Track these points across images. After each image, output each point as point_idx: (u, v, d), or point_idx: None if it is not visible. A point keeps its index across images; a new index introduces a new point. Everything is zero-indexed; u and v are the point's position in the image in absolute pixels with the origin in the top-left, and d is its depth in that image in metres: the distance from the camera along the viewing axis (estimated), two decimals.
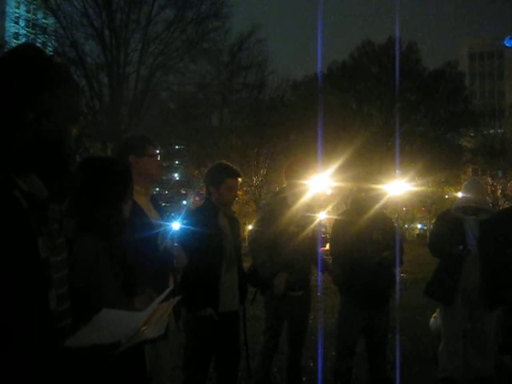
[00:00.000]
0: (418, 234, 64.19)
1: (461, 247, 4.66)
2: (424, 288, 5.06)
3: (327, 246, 4.77)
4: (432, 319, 5.83)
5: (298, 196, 4.59)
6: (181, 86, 28.92)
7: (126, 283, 2.26)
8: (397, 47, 37.12)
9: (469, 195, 4.97)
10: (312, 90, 36.92)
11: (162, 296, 1.64)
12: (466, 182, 5.39)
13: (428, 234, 60.25)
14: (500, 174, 47.77)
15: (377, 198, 4.56)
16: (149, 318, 1.51)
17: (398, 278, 4.62)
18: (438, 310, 5.32)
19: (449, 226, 4.84)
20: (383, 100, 39.71)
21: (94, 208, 2.24)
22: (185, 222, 3.90)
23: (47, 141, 1.37)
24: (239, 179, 4.17)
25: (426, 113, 42.97)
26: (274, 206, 4.67)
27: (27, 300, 1.26)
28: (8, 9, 37.95)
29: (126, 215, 2.39)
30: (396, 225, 5.35)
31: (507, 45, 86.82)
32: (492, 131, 52.06)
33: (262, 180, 34.72)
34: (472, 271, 4.67)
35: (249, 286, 4.32)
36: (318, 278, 4.89)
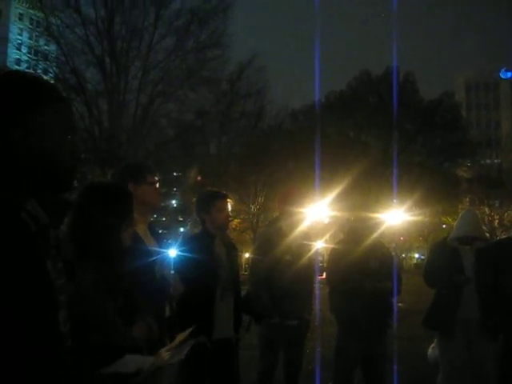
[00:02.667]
0: (415, 264, 63.91)
1: (462, 277, 4.62)
2: (422, 318, 5.01)
3: (324, 275, 4.76)
4: (430, 349, 5.78)
5: (293, 225, 4.61)
6: (180, 114, 29.14)
7: (125, 311, 2.25)
8: (394, 77, 37.51)
9: (464, 226, 4.96)
10: (310, 119, 37.24)
11: (185, 334, 1.65)
12: (461, 214, 5.38)
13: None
14: (497, 203, 47.81)
15: (374, 227, 4.56)
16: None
17: (395, 307, 4.60)
18: (436, 340, 5.28)
19: (445, 256, 4.82)
20: (380, 129, 39.99)
21: (93, 235, 2.24)
22: (181, 249, 3.92)
23: (37, 157, 1.38)
24: (228, 200, 4.26)
25: (423, 142, 43.27)
26: (269, 235, 4.68)
27: (43, 322, 1.28)
28: (11, 35, 38.47)
29: (127, 243, 2.39)
30: (393, 254, 5.34)
31: (503, 76, 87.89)
32: (489, 161, 52.38)
33: (259, 208, 34.74)
34: (470, 301, 4.63)
35: (243, 314, 4.31)
36: (316, 306, 4.87)
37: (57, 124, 1.43)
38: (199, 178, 32.18)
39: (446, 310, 4.68)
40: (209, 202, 4.09)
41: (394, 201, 30.71)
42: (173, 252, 3.99)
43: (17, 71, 1.51)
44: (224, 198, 4.18)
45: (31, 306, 1.25)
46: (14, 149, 1.36)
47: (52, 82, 27.43)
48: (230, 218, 4.40)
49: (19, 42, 35.99)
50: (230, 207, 4.33)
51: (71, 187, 1.50)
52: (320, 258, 4.88)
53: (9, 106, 1.37)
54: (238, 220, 34.65)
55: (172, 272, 3.36)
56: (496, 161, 53.56)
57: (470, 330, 4.63)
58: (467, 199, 45.19)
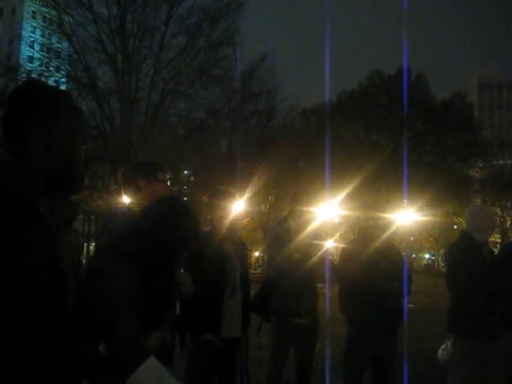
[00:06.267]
0: (425, 264, 63.67)
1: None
2: (448, 324, 4.83)
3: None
4: (440, 350, 5.73)
5: (302, 224, 4.62)
6: (191, 112, 29.14)
7: (143, 315, 2.23)
8: (405, 77, 37.33)
9: (488, 225, 4.79)
10: (321, 118, 37.15)
11: None
12: (473, 211, 5.16)
13: (436, 264, 59.79)
14: (509, 205, 47.53)
15: (384, 227, 4.53)
16: None
17: (405, 308, 4.57)
18: (446, 341, 5.22)
19: (468, 256, 4.66)
20: (392, 129, 39.82)
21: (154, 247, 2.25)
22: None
23: (54, 161, 1.50)
24: (237, 198, 4.30)
25: (434, 143, 43.08)
26: (279, 234, 4.70)
27: (58, 305, 1.38)
28: (24, 33, 38.71)
29: None
30: (404, 254, 5.28)
31: None
32: (501, 162, 52.03)
33: (269, 207, 34.74)
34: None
35: (254, 314, 4.32)
36: (325, 306, 4.86)
37: (74, 132, 1.55)
38: (192, 179, 32.36)
39: (480, 312, 4.50)
40: (216, 200, 4.13)
41: (405, 201, 30.57)
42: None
43: (36, 82, 1.64)
44: (230, 196, 4.19)
45: (47, 295, 1.33)
46: (35, 152, 1.48)
47: (64, 79, 27.70)
48: (240, 217, 4.42)
49: (32, 39, 36.28)
50: (239, 206, 4.35)
51: (79, 191, 1.62)
52: (330, 258, 4.86)
53: (35, 112, 1.49)
54: (248, 219, 34.69)
55: (181, 270, 3.36)
56: (509, 162, 53.19)
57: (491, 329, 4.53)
58: (479, 200, 44.94)
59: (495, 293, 4.51)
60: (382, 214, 4.59)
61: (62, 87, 27.85)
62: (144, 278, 2.24)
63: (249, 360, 4.10)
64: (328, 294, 4.73)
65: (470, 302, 4.53)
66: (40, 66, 29.67)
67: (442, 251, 55.39)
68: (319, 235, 4.79)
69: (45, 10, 33.59)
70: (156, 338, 2.31)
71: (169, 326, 2.71)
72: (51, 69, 28.50)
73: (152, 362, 1.59)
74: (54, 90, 1.60)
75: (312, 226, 4.67)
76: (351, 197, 20.30)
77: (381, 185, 33.97)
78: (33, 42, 35.45)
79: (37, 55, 31.06)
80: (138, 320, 2.18)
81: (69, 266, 1.47)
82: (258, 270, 38.04)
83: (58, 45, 29.34)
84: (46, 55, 29.74)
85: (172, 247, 2.36)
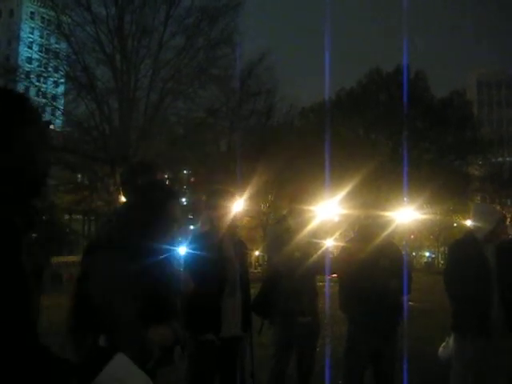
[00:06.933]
0: (425, 262, 63.61)
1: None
2: (451, 324, 4.78)
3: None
4: (441, 349, 5.73)
5: (301, 223, 4.62)
6: (190, 112, 29.07)
7: (149, 311, 2.21)
8: (405, 75, 37.32)
9: (483, 224, 4.80)
10: (320, 117, 37.12)
11: None
12: (474, 210, 5.18)
13: (436, 262, 59.79)
14: (509, 202, 47.54)
15: (384, 225, 4.53)
16: None
17: (406, 306, 4.56)
18: (447, 339, 5.22)
19: (469, 254, 4.65)
20: (391, 127, 39.81)
21: (143, 232, 2.26)
22: (190, 246, 3.92)
23: (18, 171, 1.52)
24: (237, 198, 4.28)
25: (433, 140, 43.06)
26: (279, 233, 4.70)
27: (22, 305, 1.40)
28: (22, 34, 38.65)
29: None
30: (404, 252, 5.27)
31: None
32: (500, 159, 52.08)
33: (269, 206, 34.73)
34: (493, 299, 4.54)
35: (255, 315, 4.32)
36: (326, 304, 4.85)
37: (39, 143, 1.57)
38: (192, 180, 32.39)
39: (478, 311, 4.49)
40: (215, 199, 4.12)
41: (405, 199, 30.56)
42: (182, 249, 3.99)
43: (4, 88, 1.65)
44: (230, 195, 4.19)
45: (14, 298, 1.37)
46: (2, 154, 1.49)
47: (63, 79, 27.66)
48: (239, 216, 4.42)
49: (30, 40, 36.26)
50: (239, 205, 4.35)
51: (37, 197, 1.65)
52: (330, 256, 4.86)
53: (6, 115, 1.51)
54: (248, 218, 34.68)
55: (181, 270, 3.36)
56: (508, 159, 53.24)
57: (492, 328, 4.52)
58: (478, 197, 44.94)
59: (490, 294, 4.50)
60: (382, 213, 4.58)
61: (61, 88, 27.88)
62: (136, 267, 2.24)
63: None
64: (328, 292, 4.73)
65: (467, 301, 4.54)
66: (39, 66, 29.61)
67: (442, 249, 55.40)
68: (319, 234, 4.79)
69: (43, 10, 33.56)
70: (160, 333, 2.29)
71: (180, 322, 2.69)
72: (50, 69, 28.47)
73: (120, 358, 1.60)
74: (21, 94, 1.62)
75: (312, 225, 4.67)
76: (351, 195, 20.30)
77: (381, 183, 33.98)
78: (31, 42, 35.45)
79: (35, 56, 31.03)
80: (137, 312, 2.18)
81: (33, 271, 1.49)
82: (259, 269, 38.03)
83: (57, 45, 29.27)
84: (45, 56, 29.71)
85: (160, 231, 2.36)
